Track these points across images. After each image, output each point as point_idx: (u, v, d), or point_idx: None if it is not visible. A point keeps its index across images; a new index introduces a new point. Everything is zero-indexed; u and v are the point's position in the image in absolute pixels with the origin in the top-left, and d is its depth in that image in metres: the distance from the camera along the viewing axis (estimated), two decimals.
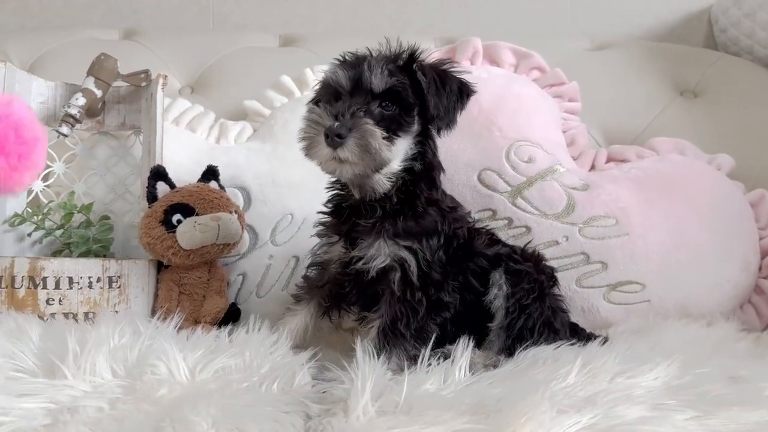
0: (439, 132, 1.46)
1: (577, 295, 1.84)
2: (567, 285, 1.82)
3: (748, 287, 1.90)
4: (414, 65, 1.42)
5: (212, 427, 1.03)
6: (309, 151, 1.39)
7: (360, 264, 1.46)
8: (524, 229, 1.88)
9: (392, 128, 1.38)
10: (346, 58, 1.46)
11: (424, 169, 1.47)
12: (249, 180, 2.02)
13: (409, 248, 1.43)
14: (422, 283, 1.44)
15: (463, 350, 1.34)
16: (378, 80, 1.37)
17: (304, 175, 2.02)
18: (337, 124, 1.31)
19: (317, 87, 1.50)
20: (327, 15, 2.88)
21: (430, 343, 1.37)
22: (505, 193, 1.90)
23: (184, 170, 1.98)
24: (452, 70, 1.48)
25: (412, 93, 1.40)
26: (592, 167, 2.08)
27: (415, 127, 1.44)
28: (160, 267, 1.85)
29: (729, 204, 1.95)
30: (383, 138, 1.34)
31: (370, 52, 1.44)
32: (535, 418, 1.04)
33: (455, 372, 1.28)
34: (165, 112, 2.04)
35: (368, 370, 1.18)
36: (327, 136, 1.32)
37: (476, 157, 1.92)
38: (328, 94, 1.43)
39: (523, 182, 1.90)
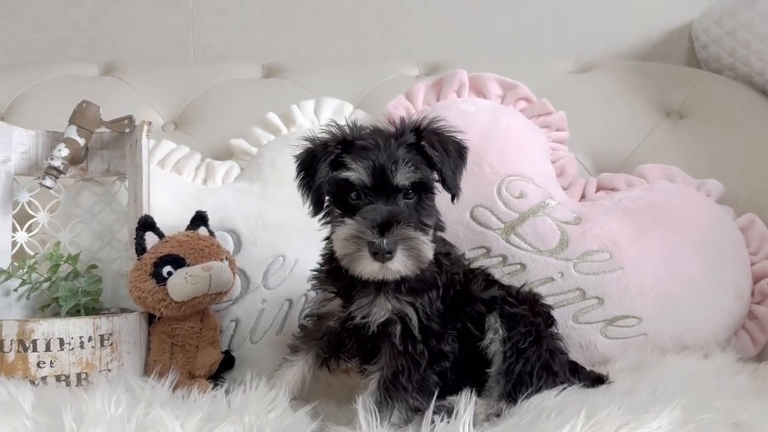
0: (453, 200, 1.47)
1: (574, 331, 1.83)
2: (564, 321, 1.81)
3: (742, 314, 1.91)
4: (422, 142, 1.41)
5: None
6: (352, 265, 1.35)
7: (359, 319, 1.45)
8: (519, 266, 1.87)
9: (421, 219, 1.38)
10: (357, 141, 1.40)
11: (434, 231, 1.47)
12: (238, 222, 1.99)
13: (410, 303, 1.43)
14: (423, 335, 1.44)
15: (467, 404, 1.33)
16: (404, 177, 1.35)
17: (295, 216, 1.98)
18: (386, 241, 1.29)
19: (326, 178, 1.41)
20: (309, 42, 2.85)
21: (434, 398, 1.36)
22: (498, 230, 1.90)
23: (171, 214, 1.95)
24: (446, 130, 1.48)
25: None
26: (583, 197, 2.08)
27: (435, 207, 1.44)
28: (151, 319, 1.81)
29: (720, 231, 1.96)
30: (426, 239, 1.35)
31: (376, 133, 1.41)
32: None
33: (459, 430, 1.27)
34: (149, 155, 2.00)
35: None
36: (375, 254, 1.30)
37: (468, 195, 1.87)
38: (345, 189, 1.38)
39: (515, 218, 1.90)
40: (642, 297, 1.83)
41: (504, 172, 1.93)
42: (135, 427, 1.25)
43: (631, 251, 1.86)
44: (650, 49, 2.88)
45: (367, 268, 1.33)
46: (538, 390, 1.47)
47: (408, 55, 2.79)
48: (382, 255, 1.30)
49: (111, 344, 1.64)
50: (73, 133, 1.87)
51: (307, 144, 1.49)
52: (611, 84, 2.53)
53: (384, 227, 1.31)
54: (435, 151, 1.41)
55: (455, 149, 1.46)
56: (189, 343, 1.79)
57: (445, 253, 1.54)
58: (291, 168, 2.05)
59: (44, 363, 1.56)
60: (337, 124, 1.47)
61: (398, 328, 1.43)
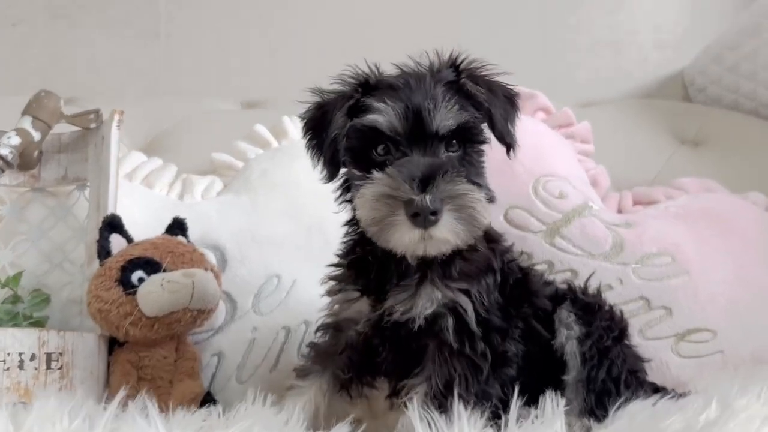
0: (509, 152, 1.19)
1: (643, 349, 1.50)
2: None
3: None
4: (462, 79, 1.13)
5: None
6: (384, 234, 1.04)
7: (399, 315, 1.12)
8: (570, 273, 1.57)
9: (472, 177, 1.09)
10: (382, 81, 1.12)
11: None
12: (223, 237, 1.67)
13: (463, 291, 1.12)
14: (483, 330, 1.12)
15: (554, 409, 1.00)
16: (445, 119, 1.06)
17: (292, 230, 1.70)
18: (429, 197, 0.98)
19: (344, 128, 1.12)
20: (291, 85, 2.64)
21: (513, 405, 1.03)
22: (540, 233, 1.62)
23: (141, 228, 1.60)
24: (490, 74, 1.19)
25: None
26: (619, 210, 1.84)
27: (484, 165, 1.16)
28: (112, 346, 1.42)
29: None
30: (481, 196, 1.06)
31: (406, 72, 1.13)
32: None
33: None
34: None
35: None
36: (415, 215, 0.99)
37: (499, 195, 1.60)
38: (369, 141, 1.09)
39: (558, 219, 1.63)
40: (713, 305, 1.54)
41: (538, 172, 1.68)
42: None
43: (694, 255, 1.60)
44: (644, 97, 2.79)
45: (405, 237, 1.02)
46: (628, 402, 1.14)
47: None
48: (424, 217, 0.99)
49: (60, 367, 1.24)
50: (27, 124, 1.56)
51: (316, 97, 1.19)
52: (620, 117, 2.39)
53: (425, 182, 1.00)
54: (481, 91, 1.12)
55: (503, 93, 1.18)
56: (161, 377, 1.40)
57: (493, 234, 1.25)
58: (286, 179, 1.80)
59: None
60: (355, 68, 1.16)
61: (450, 321, 1.11)
